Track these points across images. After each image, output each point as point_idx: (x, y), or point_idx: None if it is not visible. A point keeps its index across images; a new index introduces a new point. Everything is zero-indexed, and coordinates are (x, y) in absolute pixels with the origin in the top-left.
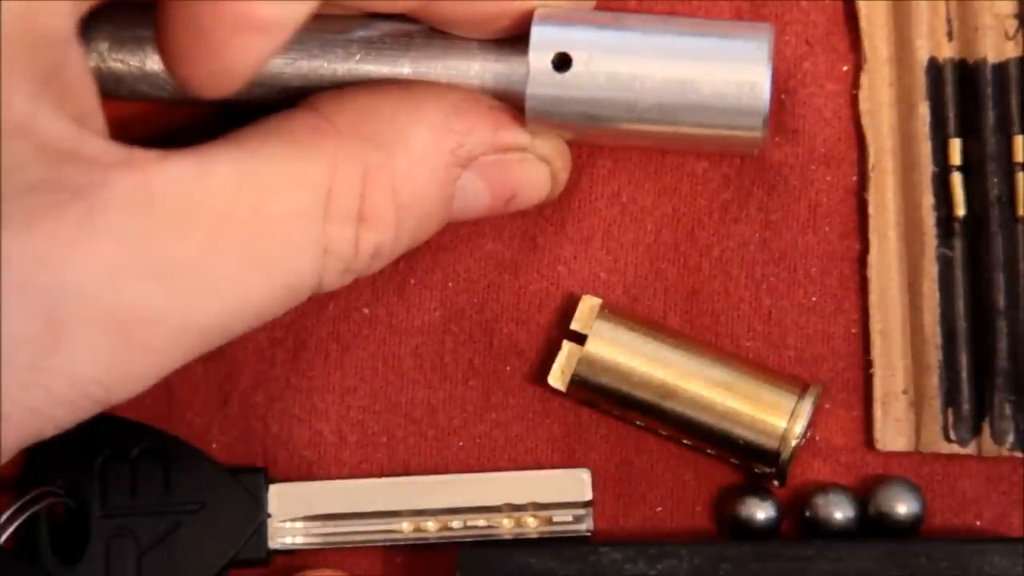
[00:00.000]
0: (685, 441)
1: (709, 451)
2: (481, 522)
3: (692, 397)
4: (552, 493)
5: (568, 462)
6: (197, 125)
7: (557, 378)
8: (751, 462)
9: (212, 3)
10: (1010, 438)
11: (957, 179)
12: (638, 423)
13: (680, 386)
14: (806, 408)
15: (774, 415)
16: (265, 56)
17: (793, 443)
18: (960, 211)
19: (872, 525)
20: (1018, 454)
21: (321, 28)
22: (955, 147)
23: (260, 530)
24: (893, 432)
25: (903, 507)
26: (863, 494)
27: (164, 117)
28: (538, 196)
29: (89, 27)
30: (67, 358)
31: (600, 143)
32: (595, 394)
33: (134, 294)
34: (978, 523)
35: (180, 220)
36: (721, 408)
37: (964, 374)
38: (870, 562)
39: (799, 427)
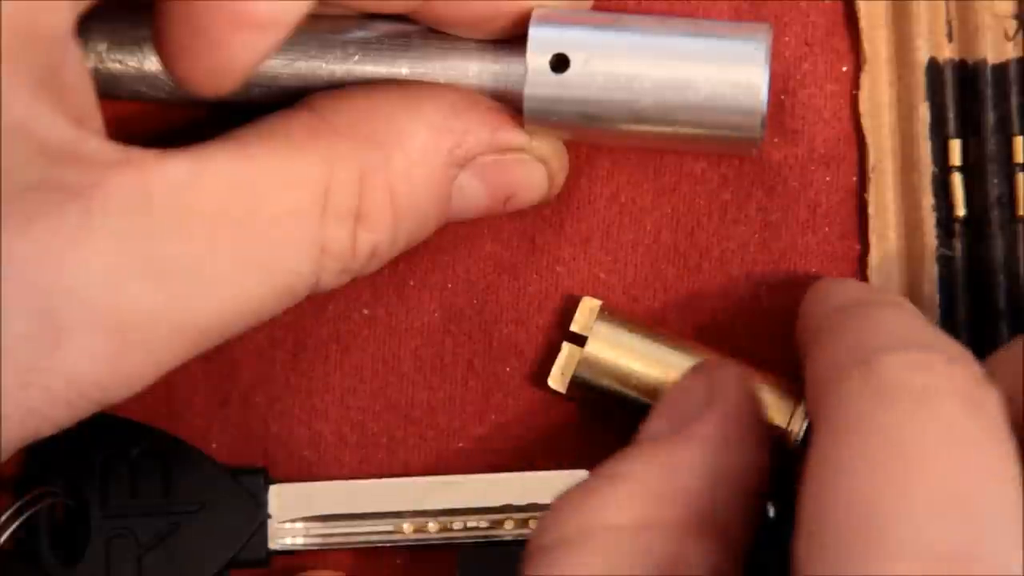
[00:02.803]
0: None
1: None
2: (482, 523)
3: None
4: (552, 494)
5: (568, 463)
6: (195, 125)
7: (557, 380)
8: None
9: (210, 1)
10: None
11: (957, 179)
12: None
13: None
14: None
15: (774, 416)
16: (263, 54)
17: (793, 444)
18: (960, 211)
19: None
20: None
21: (319, 28)
22: (955, 148)
23: (260, 530)
24: None
25: None
26: None
27: (162, 117)
28: (535, 197)
29: (87, 28)
30: (65, 358)
31: (598, 143)
32: (595, 395)
33: (132, 294)
34: None
35: (178, 220)
36: None
37: None
38: None
39: (799, 428)
